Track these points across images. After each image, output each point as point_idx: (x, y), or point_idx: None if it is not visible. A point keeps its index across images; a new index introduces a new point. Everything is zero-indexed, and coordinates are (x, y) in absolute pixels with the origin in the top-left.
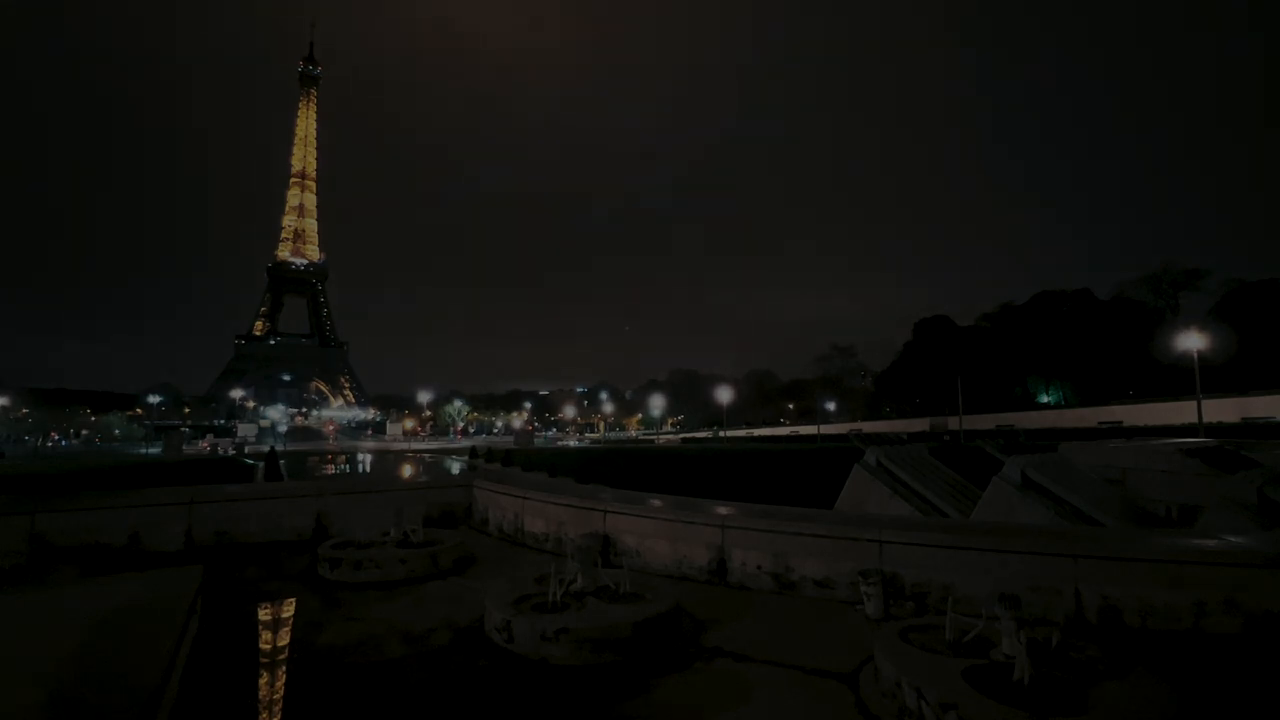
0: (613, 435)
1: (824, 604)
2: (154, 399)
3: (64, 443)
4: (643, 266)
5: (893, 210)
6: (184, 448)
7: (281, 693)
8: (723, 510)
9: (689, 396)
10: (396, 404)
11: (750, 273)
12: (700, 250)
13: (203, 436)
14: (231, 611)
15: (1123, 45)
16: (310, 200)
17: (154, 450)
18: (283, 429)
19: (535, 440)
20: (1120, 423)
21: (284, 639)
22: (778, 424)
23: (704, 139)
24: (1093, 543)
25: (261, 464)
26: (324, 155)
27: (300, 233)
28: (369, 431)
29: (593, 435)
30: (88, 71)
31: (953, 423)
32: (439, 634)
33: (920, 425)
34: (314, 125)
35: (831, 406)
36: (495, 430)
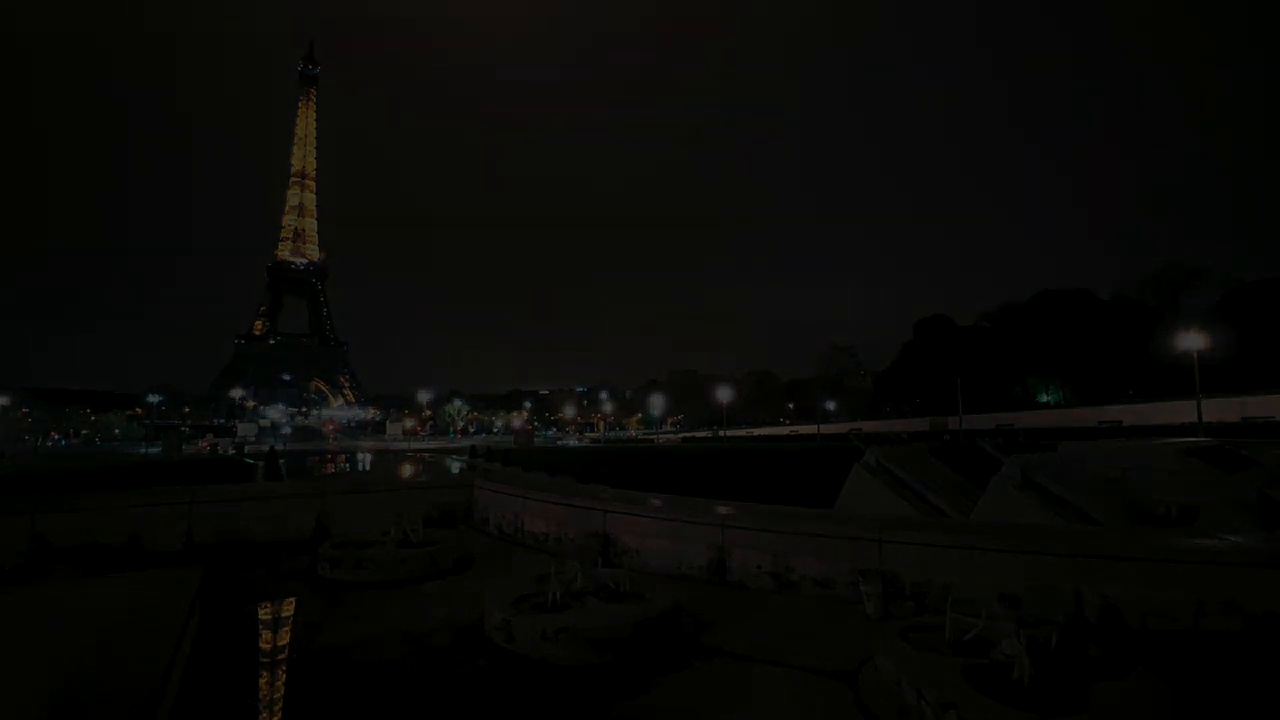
0: (613, 435)
1: (824, 603)
2: (154, 399)
3: (64, 443)
4: (643, 266)
5: (893, 209)
6: (184, 447)
7: (282, 692)
8: (723, 510)
9: (689, 396)
10: (396, 404)
11: (751, 272)
12: (700, 249)
13: (202, 436)
14: (232, 611)
15: (1123, 46)
16: (310, 200)
17: (154, 450)
18: (286, 430)
19: (535, 440)
20: (1120, 422)
21: (284, 639)
22: (778, 424)
23: (700, 137)
24: (1093, 542)
25: (261, 464)
26: (324, 154)
27: (300, 232)
28: (369, 431)
29: (592, 435)
30: (86, 71)
31: (953, 422)
32: (439, 634)
33: (920, 425)
34: (314, 125)
35: (831, 406)
36: (495, 430)
